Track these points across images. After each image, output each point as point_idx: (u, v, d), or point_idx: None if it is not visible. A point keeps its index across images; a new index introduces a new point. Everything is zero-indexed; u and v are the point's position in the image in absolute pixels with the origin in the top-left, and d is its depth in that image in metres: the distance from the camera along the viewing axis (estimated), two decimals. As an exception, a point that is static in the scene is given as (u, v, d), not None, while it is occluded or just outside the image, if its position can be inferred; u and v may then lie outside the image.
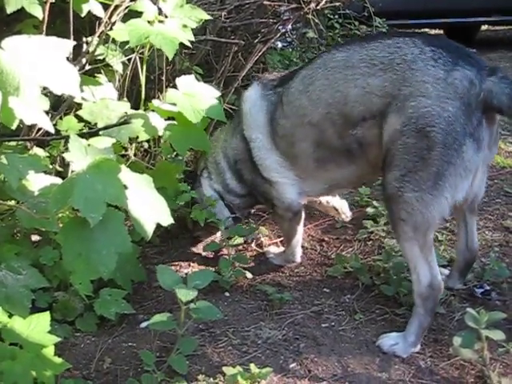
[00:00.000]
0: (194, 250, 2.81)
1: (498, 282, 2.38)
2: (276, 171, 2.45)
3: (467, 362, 1.96)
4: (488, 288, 2.36)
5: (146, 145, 2.96)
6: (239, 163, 2.58)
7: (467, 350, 1.86)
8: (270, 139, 2.42)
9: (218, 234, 2.80)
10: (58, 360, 1.71)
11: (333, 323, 2.22)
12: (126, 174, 1.53)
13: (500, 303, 2.28)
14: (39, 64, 1.38)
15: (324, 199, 2.82)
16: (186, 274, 2.46)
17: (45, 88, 1.45)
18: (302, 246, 2.79)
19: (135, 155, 2.82)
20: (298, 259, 2.66)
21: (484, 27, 10.00)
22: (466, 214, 2.23)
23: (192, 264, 2.69)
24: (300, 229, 2.62)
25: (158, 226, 1.76)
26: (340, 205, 2.86)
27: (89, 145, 1.77)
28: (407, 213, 1.97)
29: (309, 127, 2.27)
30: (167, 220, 1.63)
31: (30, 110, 1.36)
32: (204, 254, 2.75)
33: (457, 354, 1.94)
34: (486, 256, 2.58)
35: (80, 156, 1.59)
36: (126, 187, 1.52)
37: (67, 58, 1.57)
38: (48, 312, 1.79)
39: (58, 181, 1.69)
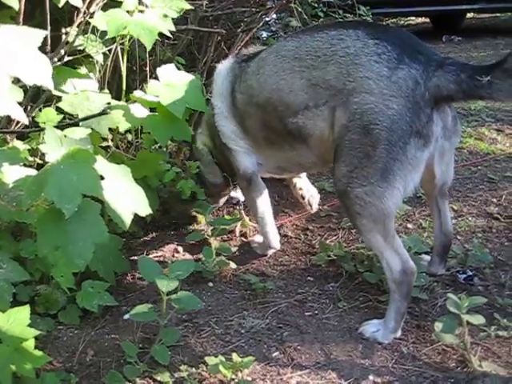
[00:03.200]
0: (178, 240, 2.80)
1: (481, 268, 2.39)
2: (232, 139, 2.53)
3: (449, 347, 1.96)
4: (471, 273, 2.37)
5: (129, 136, 2.95)
6: (211, 128, 2.64)
7: (449, 334, 1.87)
8: (228, 108, 2.50)
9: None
10: (39, 353, 1.70)
11: (316, 311, 2.22)
12: (102, 165, 1.52)
13: (482, 288, 2.29)
14: (10, 54, 1.36)
15: (298, 185, 2.84)
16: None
17: (19, 80, 1.44)
18: (286, 235, 2.80)
19: (118, 147, 2.80)
20: (277, 245, 2.65)
21: (470, 15, 10.02)
22: (438, 199, 2.25)
23: (176, 255, 2.69)
24: (268, 210, 2.62)
25: (142, 217, 1.76)
26: (309, 195, 2.87)
27: (65, 136, 1.75)
28: (361, 206, 1.99)
29: (256, 107, 2.36)
30: (145, 210, 1.63)
31: (2, 101, 1.34)
32: (188, 244, 2.74)
33: (439, 340, 1.95)
34: (469, 242, 2.60)
35: (55, 147, 1.58)
36: (102, 178, 1.51)
37: (45, 49, 1.56)
38: (28, 305, 1.77)
39: (34, 172, 1.67)
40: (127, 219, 1.54)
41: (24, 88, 2.14)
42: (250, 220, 2.90)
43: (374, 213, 1.98)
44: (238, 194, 2.95)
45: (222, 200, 2.96)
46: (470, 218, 2.83)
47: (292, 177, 2.84)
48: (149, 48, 2.31)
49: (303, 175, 2.86)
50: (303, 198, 2.88)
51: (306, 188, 2.87)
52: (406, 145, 1.90)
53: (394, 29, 2.45)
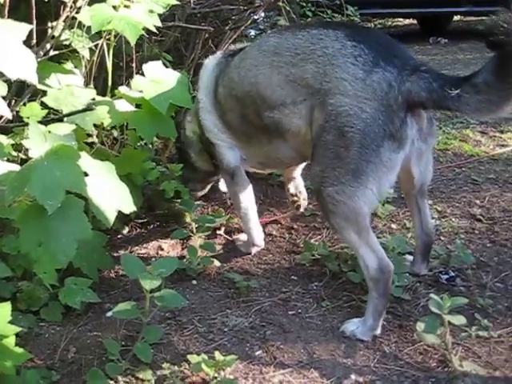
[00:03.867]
0: (163, 238, 2.80)
1: (463, 269, 2.41)
2: (214, 133, 2.55)
3: (430, 347, 1.98)
4: (453, 274, 2.39)
5: (115, 133, 2.93)
6: (198, 119, 2.63)
7: (430, 335, 1.88)
8: (211, 103, 2.52)
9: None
10: (19, 350, 1.68)
11: (300, 310, 2.23)
12: (86, 161, 1.51)
13: (464, 289, 2.31)
14: (-7, 47, 1.34)
15: (292, 189, 2.86)
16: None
17: (3, 74, 1.42)
18: (271, 234, 2.80)
19: (104, 143, 2.78)
20: (261, 242, 2.66)
21: (456, 17, 10.09)
22: (418, 199, 2.27)
23: (160, 252, 2.68)
24: (251, 206, 2.63)
25: (126, 214, 1.75)
26: (302, 198, 2.88)
27: (49, 131, 1.74)
28: (333, 205, 2.01)
29: (235, 100, 2.39)
30: (129, 207, 1.62)
31: (-15, 95, 1.33)
32: (172, 241, 2.73)
33: (420, 339, 1.96)
34: (452, 243, 2.61)
35: (39, 142, 1.56)
36: (86, 174, 1.50)
37: (30, 43, 1.54)
38: (9, 302, 1.75)
39: (16, 168, 1.65)
40: (111, 216, 1.53)
41: (8, 82, 2.12)
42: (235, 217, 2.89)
43: (345, 211, 2.00)
44: (221, 185, 2.96)
45: (207, 188, 2.97)
46: (453, 219, 2.85)
47: (272, 171, 2.89)
48: (133, 43, 2.29)
49: (298, 176, 2.86)
50: (293, 202, 2.89)
51: (299, 188, 2.87)
52: (380, 147, 1.92)
53: (373, 31, 2.50)
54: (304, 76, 2.09)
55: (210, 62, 2.59)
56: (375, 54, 1.97)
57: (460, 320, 1.84)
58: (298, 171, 2.85)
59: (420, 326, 1.87)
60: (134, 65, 3.04)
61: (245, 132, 2.44)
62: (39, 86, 2.33)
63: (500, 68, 1.77)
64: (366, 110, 1.92)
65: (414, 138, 2.00)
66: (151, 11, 2.43)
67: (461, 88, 1.84)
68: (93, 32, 2.30)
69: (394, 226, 2.82)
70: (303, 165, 2.75)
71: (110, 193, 1.54)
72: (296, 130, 2.17)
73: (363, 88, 1.93)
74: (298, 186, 2.87)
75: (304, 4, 5.11)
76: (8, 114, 1.44)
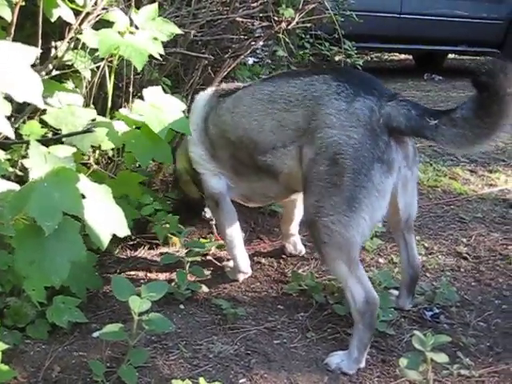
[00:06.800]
0: (152, 260, 2.81)
1: (448, 306, 2.45)
2: (199, 163, 2.64)
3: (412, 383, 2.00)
4: (437, 311, 2.43)
5: (110, 153, 2.96)
6: (186, 151, 2.71)
7: (413, 371, 1.89)
8: (199, 136, 2.60)
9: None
10: (4, 367, 1.69)
11: (285, 340, 2.25)
12: (84, 184, 1.54)
13: (448, 326, 2.34)
14: (2, 70, 1.38)
15: (292, 243, 2.91)
16: (143, 284, 2.45)
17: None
18: (259, 262, 2.83)
19: (98, 163, 2.81)
20: (246, 269, 2.68)
21: (451, 56, 10.28)
22: (404, 233, 2.32)
23: (149, 275, 2.69)
24: (237, 233, 2.66)
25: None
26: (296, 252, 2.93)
27: (49, 152, 1.77)
28: (327, 235, 2.05)
29: (228, 142, 2.48)
30: (124, 231, 1.64)
31: (-10, 116, 1.36)
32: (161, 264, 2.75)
33: (403, 375, 1.98)
34: (438, 280, 2.66)
35: (39, 163, 1.59)
36: (83, 197, 1.52)
37: (34, 63, 1.57)
38: (-3, 318, 1.77)
39: (16, 187, 1.68)
40: (105, 239, 1.55)
41: (9, 99, 2.15)
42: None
43: (339, 241, 2.04)
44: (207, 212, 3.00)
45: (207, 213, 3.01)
46: (439, 256, 2.89)
47: (254, 205, 2.92)
48: (139, 69, 2.35)
49: (296, 233, 2.91)
50: (289, 246, 2.93)
51: (299, 251, 2.93)
52: (371, 170, 1.99)
53: (357, 72, 2.60)
54: (295, 120, 2.19)
55: (201, 98, 2.67)
56: (357, 87, 2.08)
57: (442, 358, 1.86)
58: (295, 227, 2.89)
59: (403, 361, 1.89)
60: (132, 87, 3.08)
61: (235, 168, 2.53)
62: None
63: (480, 107, 1.86)
64: (354, 137, 2.00)
65: (400, 165, 2.07)
66: (155, 38, 2.48)
67: (439, 119, 1.93)
68: (100, 57, 2.34)
69: (381, 260, 2.86)
70: (299, 219, 2.81)
71: (105, 216, 1.57)
72: (288, 169, 2.26)
73: (347, 117, 2.03)
74: (296, 244, 2.92)
75: (303, 36, 5.20)
76: (11, 134, 1.47)
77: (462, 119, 1.89)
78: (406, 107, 2.00)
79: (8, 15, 2.33)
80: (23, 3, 2.31)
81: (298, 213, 2.76)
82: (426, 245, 3.00)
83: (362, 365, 2.07)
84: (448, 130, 1.92)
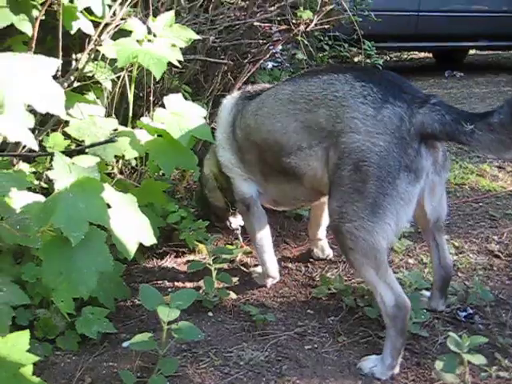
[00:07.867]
0: (179, 268, 2.80)
1: (482, 306, 2.39)
2: (229, 168, 2.60)
3: (449, 387, 1.95)
4: (471, 312, 2.37)
5: (133, 162, 2.97)
6: (215, 156, 2.69)
7: (449, 374, 1.85)
8: (227, 140, 2.57)
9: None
10: (36, 380, 1.68)
11: (316, 345, 2.21)
12: (109, 193, 1.54)
13: (483, 327, 2.28)
14: (25, 82, 1.38)
15: (320, 249, 2.88)
16: (170, 292, 2.44)
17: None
18: (287, 267, 2.80)
19: (122, 173, 2.82)
20: (275, 274, 2.66)
21: (472, 51, 10.15)
22: (435, 234, 2.27)
23: (176, 283, 2.68)
24: (267, 238, 2.64)
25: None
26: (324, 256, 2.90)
27: (73, 163, 1.77)
28: (352, 241, 2.01)
29: (253, 144, 2.45)
30: (150, 240, 1.63)
31: (14, 128, 1.36)
32: (188, 272, 2.74)
33: (439, 378, 1.93)
34: (470, 279, 2.60)
35: (64, 174, 1.59)
36: (109, 206, 1.52)
37: (55, 75, 1.58)
38: (27, 330, 1.75)
39: (41, 198, 1.68)
40: (132, 248, 1.54)
41: (33, 111, 2.17)
42: (252, 249, 2.90)
43: (364, 247, 2.00)
44: (238, 219, 2.97)
45: (233, 222, 2.99)
46: (471, 255, 2.83)
47: (284, 209, 2.92)
48: (158, 77, 2.34)
49: (323, 237, 2.88)
50: (317, 249, 2.90)
51: (326, 255, 2.90)
52: (396, 179, 1.93)
53: (380, 71, 2.55)
54: (318, 120, 2.14)
55: (228, 102, 2.65)
56: (384, 91, 2.01)
57: (480, 359, 1.82)
58: (322, 231, 2.86)
59: (439, 364, 1.85)
60: (153, 96, 3.09)
61: (262, 171, 2.49)
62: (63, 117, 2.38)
63: None
64: (379, 144, 1.94)
65: (429, 171, 2.01)
66: (174, 45, 2.48)
67: (475, 124, 1.86)
68: (119, 66, 2.35)
69: (410, 260, 2.81)
70: (326, 224, 2.77)
71: (131, 225, 1.56)
72: (313, 171, 2.21)
73: (374, 124, 1.96)
74: (324, 249, 2.89)
75: (321, 38, 5.17)
76: (35, 146, 1.47)
77: (500, 125, 1.82)
78: (439, 112, 1.92)
79: (29, 30, 2.35)
80: (43, 17, 2.34)
81: (326, 217, 2.73)
82: (456, 244, 2.93)
83: (397, 371, 2.02)
84: (484, 136, 1.84)
